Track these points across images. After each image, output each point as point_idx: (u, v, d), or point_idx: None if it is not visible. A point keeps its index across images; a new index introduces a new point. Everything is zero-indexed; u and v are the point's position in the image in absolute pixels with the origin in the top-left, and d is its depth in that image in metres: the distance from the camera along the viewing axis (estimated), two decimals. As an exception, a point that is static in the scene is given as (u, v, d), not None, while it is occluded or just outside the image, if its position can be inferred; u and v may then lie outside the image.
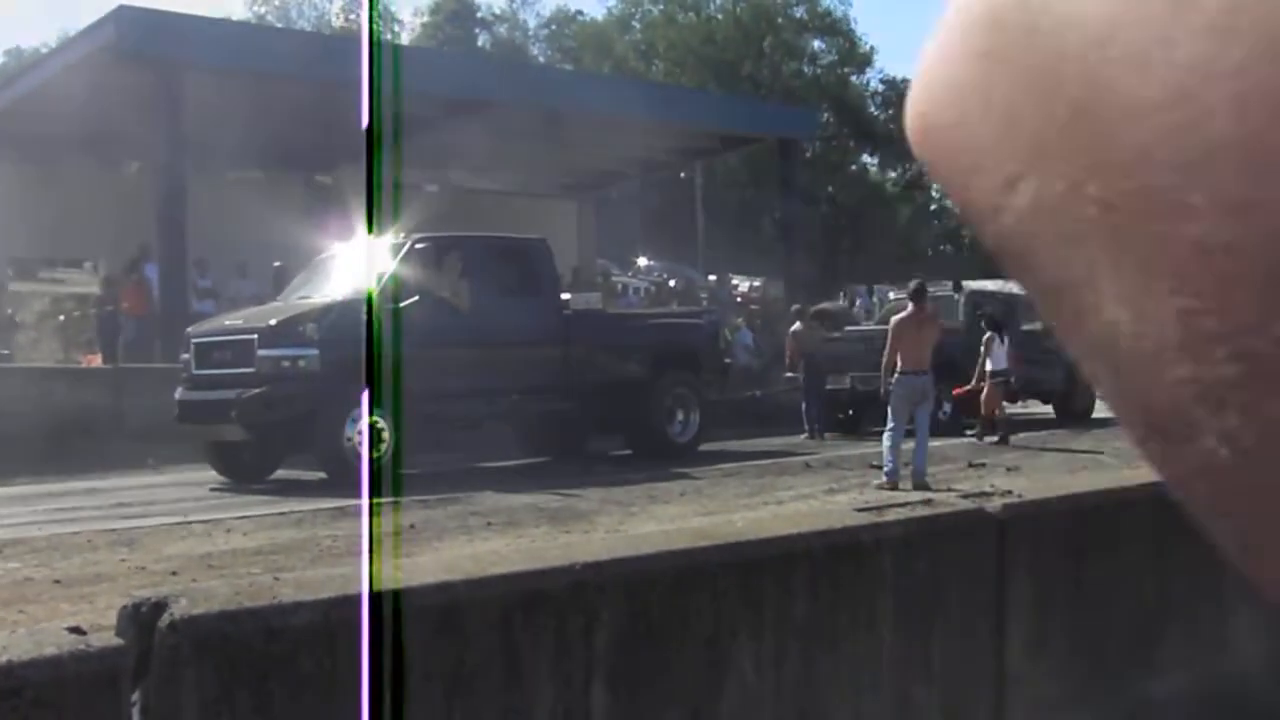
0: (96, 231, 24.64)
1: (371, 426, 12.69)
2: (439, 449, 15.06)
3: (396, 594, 2.82)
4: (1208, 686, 5.54)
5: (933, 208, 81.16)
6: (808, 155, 60.60)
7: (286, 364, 12.97)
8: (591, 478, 13.17)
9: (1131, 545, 5.30)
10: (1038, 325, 22.71)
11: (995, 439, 16.91)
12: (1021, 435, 18.34)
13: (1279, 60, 0.31)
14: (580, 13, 79.67)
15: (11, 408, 15.74)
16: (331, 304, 13.28)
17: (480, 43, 74.54)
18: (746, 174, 62.83)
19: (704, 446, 16.12)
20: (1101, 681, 5.02)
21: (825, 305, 24.93)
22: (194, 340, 14.05)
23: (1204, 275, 0.33)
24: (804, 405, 19.30)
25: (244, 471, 13.85)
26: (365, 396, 12.76)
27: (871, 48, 76.40)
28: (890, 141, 75.79)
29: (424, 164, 27.87)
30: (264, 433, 13.25)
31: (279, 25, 64.79)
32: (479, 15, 77.29)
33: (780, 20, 73.32)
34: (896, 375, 12.40)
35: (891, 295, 31.16)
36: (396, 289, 13.44)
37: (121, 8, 19.83)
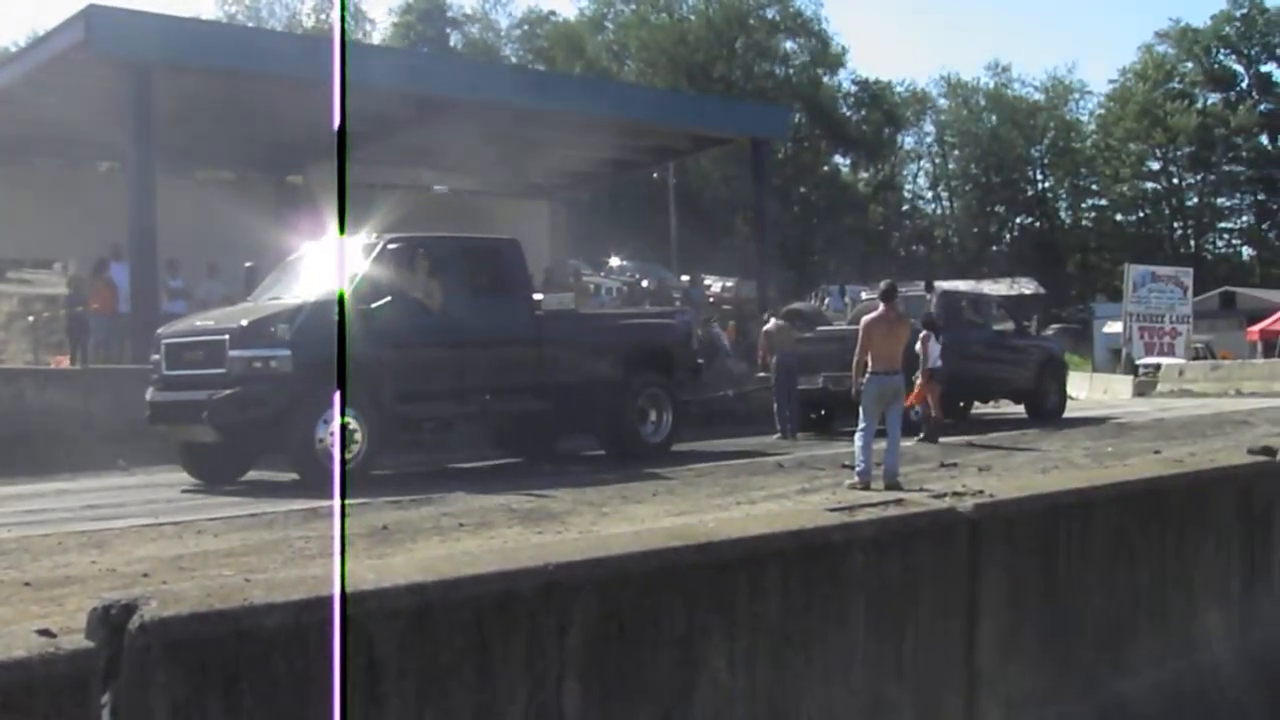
0: (66, 232, 24.49)
1: (343, 427, 12.65)
2: (411, 449, 15.03)
3: (369, 595, 2.82)
4: (1179, 684, 5.58)
5: (904, 208, 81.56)
6: (780, 156, 60.81)
7: (258, 365, 12.89)
8: (564, 478, 13.16)
9: (1102, 544, 5.33)
10: (1009, 325, 22.88)
11: (922, 436, 16.98)
12: (993, 435, 18.43)
13: None
14: (553, 13, 79.78)
15: (-20, 409, 15.64)
16: (303, 304, 13.21)
17: (452, 42, 74.49)
18: (719, 175, 62.99)
19: (677, 447, 16.12)
20: (1073, 679, 5.05)
21: (797, 305, 24.94)
22: (165, 341, 13.94)
23: None
24: (776, 405, 19.30)
25: (215, 473, 13.78)
26: (337, 397, 12.72)
27: (843, 49, 76.73)
28: (862, 142, 76.24)
29: (395, 164, 27.83)
30: (235, 434, 13.17)
31: (250, 24, 64.59)
32: (450, 15, 77.21)
33: (752, 21, 73.50)
34: (868, 375, 12.44)
35: (863, 295, 31.32)
36: (368, 289, 13.39)
37: (91, 7, 19.68)
